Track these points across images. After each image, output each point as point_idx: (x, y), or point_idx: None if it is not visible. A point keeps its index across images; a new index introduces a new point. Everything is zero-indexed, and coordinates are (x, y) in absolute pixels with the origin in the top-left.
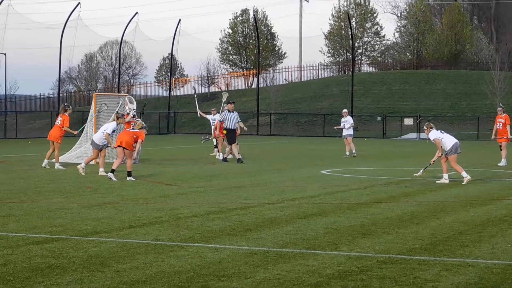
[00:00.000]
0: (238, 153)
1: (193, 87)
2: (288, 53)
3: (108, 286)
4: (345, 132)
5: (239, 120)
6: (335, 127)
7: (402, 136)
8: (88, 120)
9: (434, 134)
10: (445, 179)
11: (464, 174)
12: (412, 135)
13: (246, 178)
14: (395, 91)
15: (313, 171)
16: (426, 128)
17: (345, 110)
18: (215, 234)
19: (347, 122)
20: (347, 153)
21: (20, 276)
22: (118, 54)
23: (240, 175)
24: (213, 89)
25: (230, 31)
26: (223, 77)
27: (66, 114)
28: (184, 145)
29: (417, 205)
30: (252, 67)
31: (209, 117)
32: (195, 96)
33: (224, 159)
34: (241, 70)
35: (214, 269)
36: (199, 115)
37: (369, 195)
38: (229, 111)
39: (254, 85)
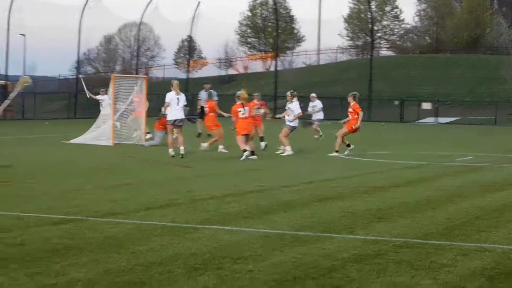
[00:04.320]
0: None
1: (81, 78)
2: (306, 36)
3: (124, 267)
4: (315, 117)
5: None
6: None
7: (420, 121)
8: (106, 101)
9: None
10: None
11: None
12: (430, 120)
13: (262, 161)
14: (413, 76)
15: (330, 154)
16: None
17: (313, 94)
18: (231, 216)
19: (316, 106)
20: (316, 136)
21: (37, 257)
22: (136, 36)
23: (258, 159)
24: (231, 71)
25: (249, 14)
26: (241, 60)
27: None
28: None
29: (433, 190)
30: (270, 50)
31: (98, 97)
32: (82, 82)
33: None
34: (259, 53)
35: (230, 251)
36: (88, 96)
37: (386, 179)
38: (205, 91)
39: (272, 68)
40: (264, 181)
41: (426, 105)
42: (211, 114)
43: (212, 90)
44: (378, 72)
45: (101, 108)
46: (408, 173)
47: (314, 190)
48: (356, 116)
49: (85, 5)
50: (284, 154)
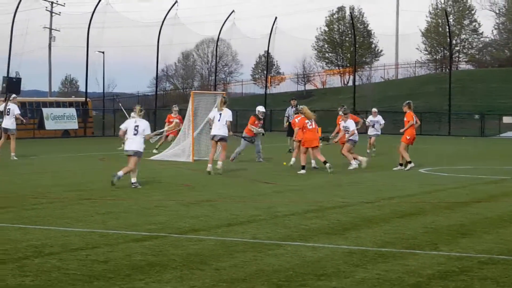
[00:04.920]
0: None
1: (120, 103)
2: (384, 50)
3: (207, 284)
4: (372, 132)
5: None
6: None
7: (501, 135)
8: (185, 118)
9: None
10: None
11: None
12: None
13: (343, 176)
14: (493, 89)
15: (411, 170)
16: None
17: (374, 109)
18: (313, 232)
19: (377, 122)
20: (368, 151)
21: (121, 274)
22: (214, 52)
23: (336, 174)
24: (309, 87)
25: (326, 29)
26: (319, 75)
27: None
28: (280, 143)
29: None
30: (348, 64)
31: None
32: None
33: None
34: (337, 67)
35: (313, 268)
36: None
37: (468, 194)
38: (292, 107)
39: (350, 83)
40: (345, 197)
41: (507, 119)
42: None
43: (299, 106)
44: (457, 86)
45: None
46: (491, 188)
47: (396, 206)
48: (416, 124)
49: (163, 21)
50: (351, 168)
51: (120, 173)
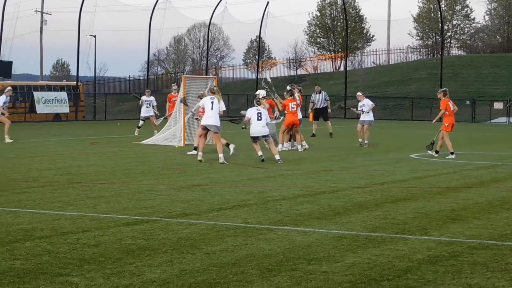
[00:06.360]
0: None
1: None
2: (376, 36)
3: (198, 268)
4: (363, 117)
5: (327, 99)
6: (352, 109)
7: (492, 120)
8: (176, 102)
9: None
10: None
11: None
12: (502, 119)
13: (334, 162)
14: (484, 75)
15: (402, 155)
16: None
17: (359, 93)
18: (304, 217)
19: (365, 105)
20: (360, 140)
21: (111, 257)
22: (206, 37)
23: (328, 159)
24: (300, 72)
25: (318, 14)
26: (311, 60)
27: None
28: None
29: (507, 191)
30: (340, 50)
31: (143, 97)
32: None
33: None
34: (328, 53)
35: (304, 252)
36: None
37: (458, 180)
38: (316, 93)
39: (342, 68)
40: (336, 182)
41: (498, 105)
42: None
43: (324, 92)
44: (449, 72)
45: (147, 109)
46: (481, 174)
47: (387, 191)
48: (446, 113)
49: (154, 5)
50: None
51: (221, 155)
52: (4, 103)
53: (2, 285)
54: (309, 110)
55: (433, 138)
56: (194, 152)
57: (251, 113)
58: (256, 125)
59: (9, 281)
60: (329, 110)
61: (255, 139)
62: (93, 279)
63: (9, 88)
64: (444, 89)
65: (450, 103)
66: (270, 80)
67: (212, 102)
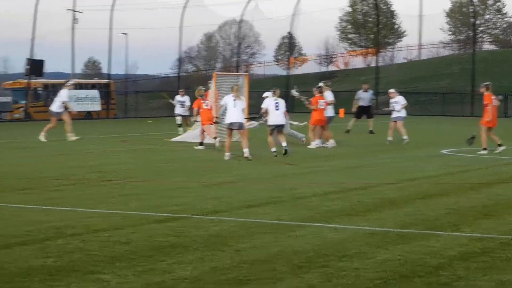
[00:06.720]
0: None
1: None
2: (407, 31)
3: (229, 265)
4: (395, 114)
5: (373, 98)
6: (384, 108)
7: None
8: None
9: None
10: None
11: None
12: None
13: (364, 158)
14: None
15: (433, 150)
16: None
17: (392, 90)
18: (334, 214)
19: (397, 103)
20: (390, 138)
21: (143, 255)
22: (237, 34)
23: (358, 155)
24: (331, 68)
25: (350, 10)
26: (342, 56)
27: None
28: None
29: None
30: (371, 45)
31: (177, 97)
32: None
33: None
34: (360, 48)
35: (335, 249)
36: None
37: (491, 175)
38: (364, 91)
39: (373, 64)
40: (367, 178)
41: None
42: None
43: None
44: (481, 67)
45: (182, 109)
46: None
47: (418, 187)
48: (489, 107)
49: (186, 3)
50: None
51: (246, 150)
52: (68, 97)
53: (35, 283)
54: (353, 108)
55: (473, 133)
56: (201, 147)
57: (268, 103)
58: (274, 115)
59: (41, 278)
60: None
61: (273, 128)
62: (124, 277)
63: (71, 82)
64: (487, 83)
65: (493, 98)
66: (297, 94)
67: (234, 100)
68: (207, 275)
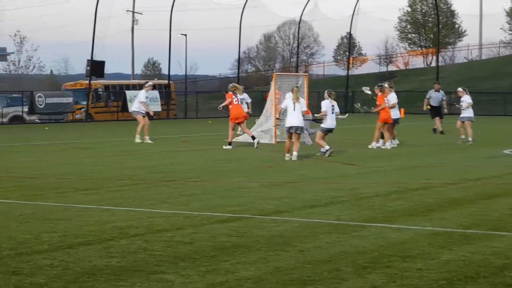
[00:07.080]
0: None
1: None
2: (468, 31)
3: (293, 265)
4: (462, 114)
5: (444, 99)
6: (457, 105)
7: None
8: (268, 100)
9: None
10: None
11: None
12: None
13: (426, 158)
14: None
15: (496, 151)
16: None
17: (460, 89)
18: (397, 214)
19: (463, 102)
20: (462, 136)
21: (206, 255)
22: (296, 34)
23: (420, 155)
24: (391, 68)
25: (409, 9)
26: (402, 56)
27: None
28: (363, 124)
29: None
30: (431, 45)
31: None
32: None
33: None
34: (419, 48)
35: (398, 249)
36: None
37: None
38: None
39: (433, 64)
40: (429, 178)
41: None
42: None
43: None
44: None
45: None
46: None
47: (481, 187)
48: None
49: (245, 3)
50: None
51: (295, 153)
52: (146, 98)
53: (99, 283)
54: (424, 107)
55: None
56: (229, 147)
57: (326, 106)
58: (330, 119)
59: (106, 278)
60: (445, 110)
61: (330, 131)
62: (188, 277)
63: (149, 83)
64: None
65: None
66: (370, 93)
67: (294, 104)
68: (270, 275)
